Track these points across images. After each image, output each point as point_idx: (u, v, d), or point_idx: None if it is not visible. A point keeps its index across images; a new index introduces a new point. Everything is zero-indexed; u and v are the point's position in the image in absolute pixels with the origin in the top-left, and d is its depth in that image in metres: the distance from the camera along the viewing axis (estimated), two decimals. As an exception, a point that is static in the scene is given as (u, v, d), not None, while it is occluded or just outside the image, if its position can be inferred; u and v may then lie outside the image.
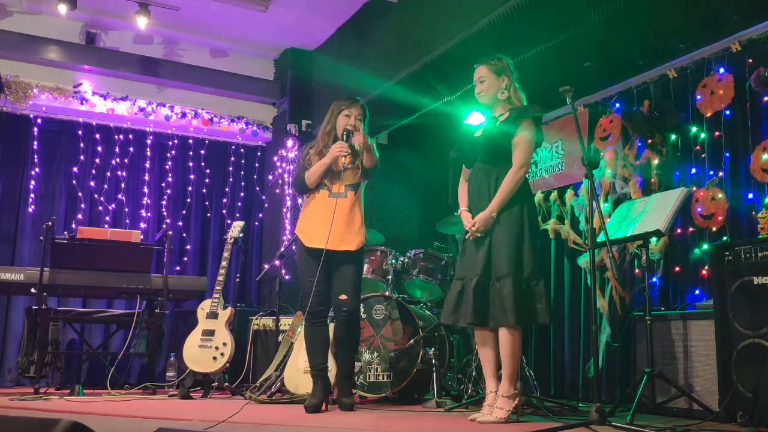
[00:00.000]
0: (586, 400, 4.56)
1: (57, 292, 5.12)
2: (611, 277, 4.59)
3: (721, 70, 4.21)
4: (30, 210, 6.06)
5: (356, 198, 3.76)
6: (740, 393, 3.19)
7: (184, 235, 6.65)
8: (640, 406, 3.33)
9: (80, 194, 6.26)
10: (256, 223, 6.98)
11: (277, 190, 6.61)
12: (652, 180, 4.53)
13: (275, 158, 6.70)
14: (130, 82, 6.38)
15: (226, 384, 4.79)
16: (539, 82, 3.75)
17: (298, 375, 4.21)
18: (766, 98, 3.97)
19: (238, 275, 6.29)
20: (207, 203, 6.81)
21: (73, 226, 5.95)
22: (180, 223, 6.63)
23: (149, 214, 6.52)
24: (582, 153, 3.09)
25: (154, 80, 6.46)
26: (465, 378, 4.29)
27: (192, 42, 6.61)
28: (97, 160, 6.36)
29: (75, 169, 6.27)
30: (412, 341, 4.29)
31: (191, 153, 6.75)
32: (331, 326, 3.92)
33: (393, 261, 4.69)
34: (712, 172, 4.21)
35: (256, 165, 7.05)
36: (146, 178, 6.55)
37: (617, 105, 4.91)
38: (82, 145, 6.29)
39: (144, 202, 6.53)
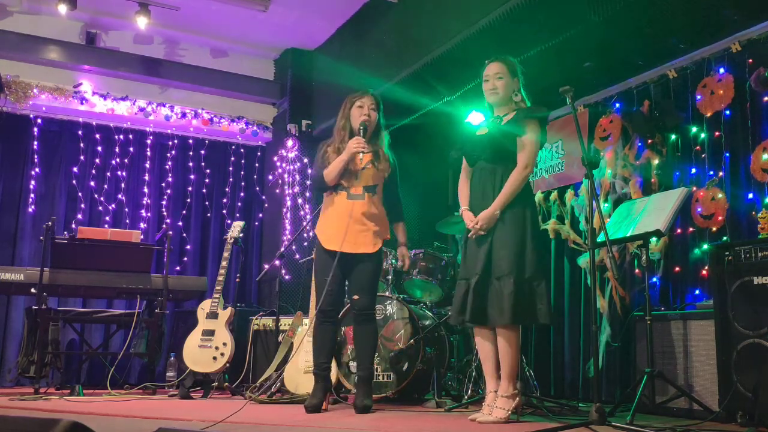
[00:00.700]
0: (586, 400, 4.56)
1: (57, 292, 5.12)
2: (611, 277, 4.59)
3: (721, 70, 4.21)
4: (30, 210, 6.06)
5: (374, 200, 3.73)
6: (740, 393, 3.18)
7: (184, 235, 6.65)
8: (640, 406, 3.33)
9: (80, 194, 6.26)
10: (256, 223, 6.98)
11: (277, 190, 6.61)
12: (652, 180, 4.53)
13: (275, 158, 6.70)
14: (130, 82, 6.38)
15: (226, 384, 4.79)
16: (539, 82, 3.74)
17: (298, 375, 4.21)
18: (766, 98, 3.97)
19: (238, 275, 6.29)
20: (207, 203, 6.82)
21: (73, 226, 5.95)
22: (180, 223, 6.63)
23: (149, 214, 6.53)
24: (582, 153, 3.09)
25: (154, 80, 6.46)
26: (465, 378, 4.28)
27: (192, 42, 6.61)
28: (97, 160, 6.36)
29: (75, 169, 6.27)
30: (412, 341, 4.29)
31: (191, 153, 6.75)
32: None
33: (393, 261, 4.69)
34: (712, 172, 4.21)
35: (256, 165, 7.05)
36: (146, 178, 6.56)
37: (617, 105, 4.91)
38: (82, 145, 6.30)
39: (144, 202, 6.53)
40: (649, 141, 4.59)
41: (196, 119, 6.58)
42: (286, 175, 6.54)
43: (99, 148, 6.38)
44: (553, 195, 5.29)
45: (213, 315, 4.73)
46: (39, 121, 6.17)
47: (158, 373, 5.31)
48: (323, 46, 6.62)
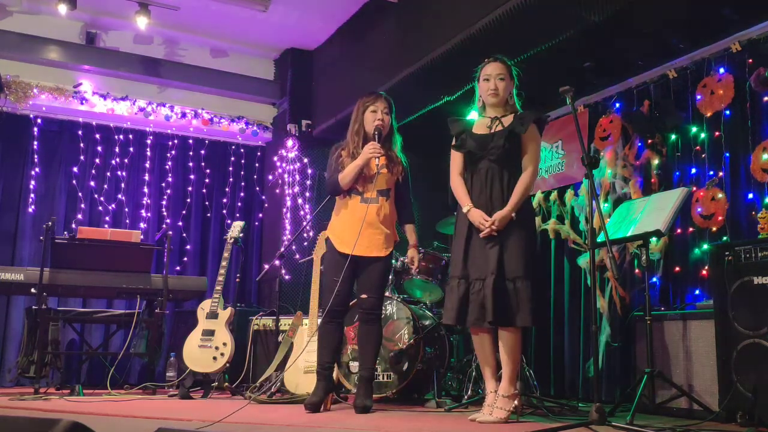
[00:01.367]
0: (586, 400, 4.56)
1: (57, 292, 5.12)
2: (611, 277, 4.59)
3: (721, 70, 4.21)
4: (30, 210, 6.06)
5: (387, 203, 3.75)
6: (740, 393, 3.19)
7: (184, 235, 6.65)
8: (640, 406, 3.33)
9: (80, 194, 6.26)
10: (256, 223, 6.98)
11: (277, 190, 6.61)
12: (652, 180, 4.53)
13: (275, 158, 6.70)
14: (130, 82, 6.38)
15: (226, 384, 4.79)
16: (539, 82, 3.75)
17: (298, 375, 4.21)
18: (766, 98, 3.97)
19: (238, 275, 6.29)
20: (207, 203, 6.81)
21: (73, 226, 5.95)
22: (180, 223, 6.63)
23: (149, 214, 6.53)
24: (582, 153, 3.09)
25: (154, 80, 6.46)
26: (465, 378, 4.28)
27: (192, 42, 6.61)
28: (97, 160, 6.36)
29: (75, 169, 6.27)
30: (412, 341, 4.29)
31: (191, 153, 6.75)
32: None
33: (393, 261, 4.68)
34: (712, 172, 4.21)
35: (256, 165, 7.05)
36: (146, 178, 6.55)
37: (617, 105, 4.91)
38: (82, 145, 6.30)
39: (144, 202, 6.53)
40: (649, 141, 4.59)
41: (196, 119, 6.58)
42: (286, 175, 6.54)
43: (99, 148, 6.38)
44: (553, 195, 5.29)
45: (213, 315, 4.73)
46: (39, 121, 6.17)
47: (158, 373, 5.31)
48: (323, 46, 6.62)
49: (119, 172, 6.44)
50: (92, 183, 6.31)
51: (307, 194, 6.52)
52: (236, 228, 5.09)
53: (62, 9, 5.57)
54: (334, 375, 4.04)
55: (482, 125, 3.47)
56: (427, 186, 6.72)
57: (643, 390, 3.39)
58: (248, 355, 5.23)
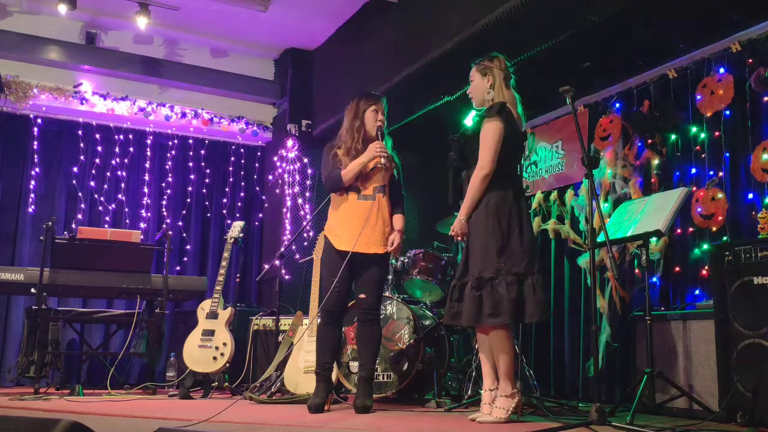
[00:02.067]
0: (586, 400, 4.55)
1: (57, 292, 5.12)
2: (611, 277, 4.59)
3: (721, 70, 4.21)
4: (30, 210, 6.06)
5: (383, 200, 3.78)
6: (740, 393, 3.19)
7: (184, 235, 6.65)
8: (640, 406, 3.33)
9: (80, 194, 6.26)
10: (256, 223, 6.98)
11: (277, 190, 6.61)
12: (652, 180, 4.53)
13: (275, 158, 6.70)
14: (130, 82, 6.38)
15: (226, 384, 4.79)
16: (539, 82, 3.75)
17: (298, 375, 4.21)
18: (766, 98, 3.97)
19: (238, 275, 6.30)
20: (207, 203, 6.82)
21: (73, 226, 5.95)
22: (180, 223, 6.63)
23: (149, 214, 6.53)
24: (582, 153, 3.09)
25: (154, 80, 6.46)
26: (465, 378, 4.28)
27: (192, 42, 6.61)
28: (97, 160, 6.36)
29: (75, 169, 6.27)
30: (412, 341, 4.29)
31: (191, 153, 6.75)
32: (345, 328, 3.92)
33: (393, 261, 4.69)
34: (712, 172, 4.21)
35: (256, 165, 7.06)
36: (146, 178, 6.56)
37: (617, 105, 4.91)
38: (82, 145, 6.30)
39: (144, 202, 6.53)
40: (649, 141, 4.59)
41: (196, 119, 6.58)
42: (286, 175, 6.54)
43: (99, 148, 6.38)
44: (553, 195, 5.29)
45: (213, 315, 4.73)
46: (39, 121, 6.17)
47: (158, 373, 5.30)
48: (323, 46, 6.62)
49: (119, 172, 6.44)
50: (92, 183, 6.31)
51: (307, 194, 6.52)
52: (236, 228, 5.09)
53: (62, 9, 5.57)
54: (334, 375, 4.04)
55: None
56: (427, 186, 6.74)
57: (643, 390, 3.39)
58: (248, 355, 5.23)
